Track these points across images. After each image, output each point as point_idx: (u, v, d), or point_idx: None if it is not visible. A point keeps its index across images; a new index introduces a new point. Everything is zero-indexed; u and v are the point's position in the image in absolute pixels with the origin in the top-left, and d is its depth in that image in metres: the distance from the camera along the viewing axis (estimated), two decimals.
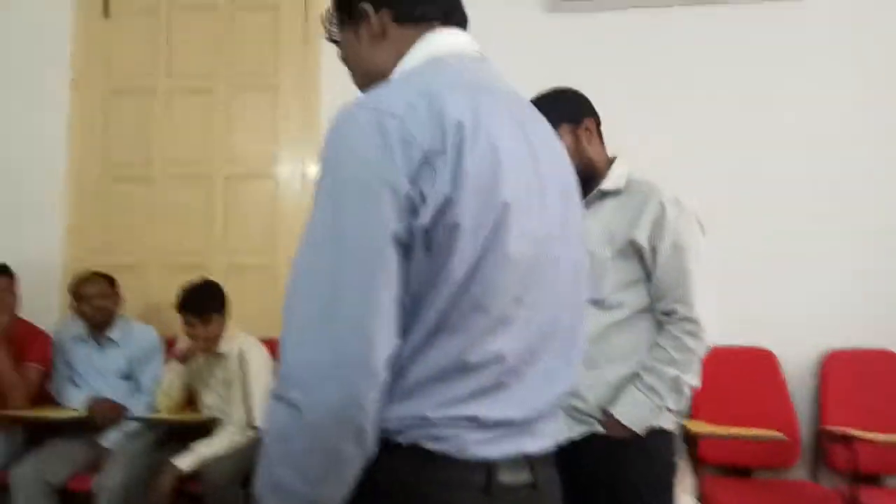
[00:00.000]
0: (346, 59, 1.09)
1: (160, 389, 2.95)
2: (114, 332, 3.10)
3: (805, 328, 3.00)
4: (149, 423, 2.99)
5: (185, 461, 2.71)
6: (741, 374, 2.95)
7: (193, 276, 3.01)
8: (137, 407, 3.00)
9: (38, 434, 2.98)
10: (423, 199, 0.82)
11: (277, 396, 0.82)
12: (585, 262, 1.06)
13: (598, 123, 1.88)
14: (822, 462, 2.89)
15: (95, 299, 3.04)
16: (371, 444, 0.85)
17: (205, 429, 2.90)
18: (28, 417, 2.89)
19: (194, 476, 2.70)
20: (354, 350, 0.80)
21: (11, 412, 2.84)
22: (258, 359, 2.91)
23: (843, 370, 2.92)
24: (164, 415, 2.95)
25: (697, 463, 2.64)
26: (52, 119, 3.55)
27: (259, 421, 2.81)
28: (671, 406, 1.72)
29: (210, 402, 2.97)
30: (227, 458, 2.73)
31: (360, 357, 0.80)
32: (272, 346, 3.06)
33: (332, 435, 0.81)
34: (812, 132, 3.07)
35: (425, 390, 0.88)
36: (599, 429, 1.72)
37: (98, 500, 2.71)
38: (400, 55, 1.01)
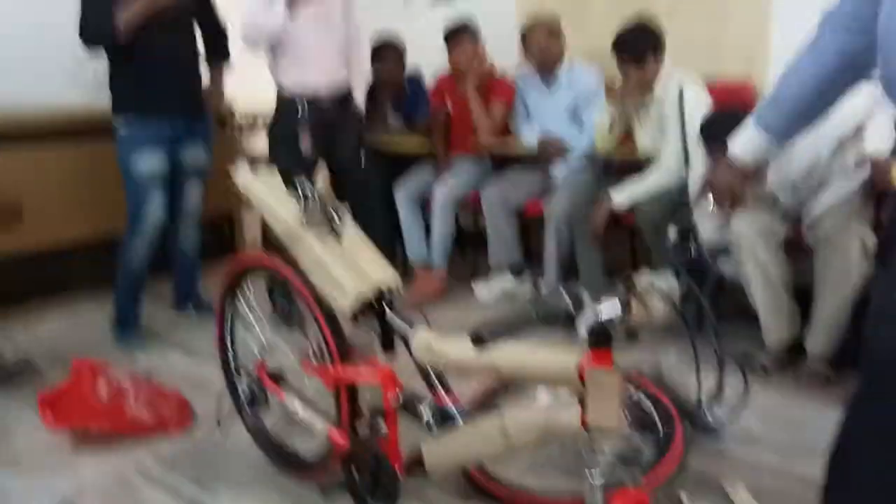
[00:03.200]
0: None
1: (596, 128, 3.12)
2: (560, 74, 3.31)
3: None
4: (589, 160, 3.23)
5: (620, 196, 2.88)
6: None
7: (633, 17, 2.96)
8: (581, 145, 3.25)
9: (501, 163, 3.49)
10: None
11: None
12: None
13: None
14: None
15: (542, 41, 3.25)
16: None
17: (639, 167, 3.00)
18: (492, 149, 3.39)
19: (629, 210, 2.88)
20: None
21: (481, 144, 3.36)
22: (696, 100, 2.83)
23: None
24: (601, 152, 3.13)
25: None
26: None
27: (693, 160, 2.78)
28: None
29: (644, 141, 3.04)
30: (658, 195, 2.82)
31: None
32: (712, 90, 2.92)
33: None
34: None
35: None
36: None
37: (547, 222, 3.13)
38: None
